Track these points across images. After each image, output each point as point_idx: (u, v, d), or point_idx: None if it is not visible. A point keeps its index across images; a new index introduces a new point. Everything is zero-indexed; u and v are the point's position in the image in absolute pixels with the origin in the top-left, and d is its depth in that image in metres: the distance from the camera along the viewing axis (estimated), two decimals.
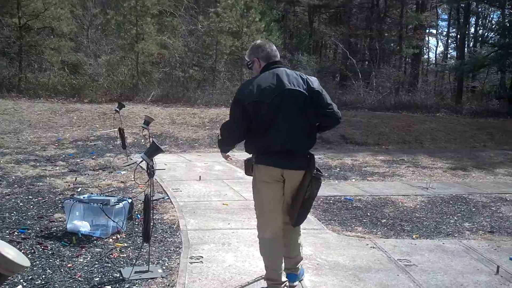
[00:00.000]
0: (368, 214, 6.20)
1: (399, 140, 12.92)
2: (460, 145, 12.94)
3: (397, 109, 18.52)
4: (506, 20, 23.88)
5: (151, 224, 4.09)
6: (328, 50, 38.75)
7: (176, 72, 20.32)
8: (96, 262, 4.26)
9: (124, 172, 8.16)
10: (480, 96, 23.12)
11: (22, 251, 4.45)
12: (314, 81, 3.56)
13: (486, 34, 29.92)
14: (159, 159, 9.25)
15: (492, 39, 24.53)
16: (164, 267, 4.18)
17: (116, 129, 9.29)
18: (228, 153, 3.95)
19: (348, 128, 13.42)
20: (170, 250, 4.64)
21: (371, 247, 4.87)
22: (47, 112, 13.84)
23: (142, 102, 17.25)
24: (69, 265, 4.19)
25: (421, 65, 32.10)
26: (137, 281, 3.87)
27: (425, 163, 10.25)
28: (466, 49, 27.70)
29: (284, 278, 3.67)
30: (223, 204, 6.26)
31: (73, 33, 21.47)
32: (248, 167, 3.68)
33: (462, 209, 6.55)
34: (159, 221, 5.57)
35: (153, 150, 4.08)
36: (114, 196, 5.26)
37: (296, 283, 3.81)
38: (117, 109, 9.03)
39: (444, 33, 39.36)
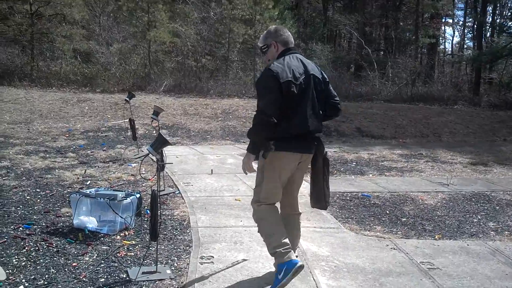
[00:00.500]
0: (387, 212, 5.94)
1: (417, 133, 12.59)
2: (479, 139, 12.58)
3: (413, 101, 18.12)
4: None
5: (159, 221, 3.87)
6: (342, 39, 38.27)
7: (189, 61, 20.06)
8: (102, 261, 4.07)
9: (135, 164, 7.97)
10: (499, 88, 22.56)
11: (26, 248, 4.27)
12: (323, 72, 3.74)
13: (504, 23, 29.20)
14: (171, 152, 9.06)
15: (511, 28, 23.92)
16: (173, 268, 3.97)
17: (127, 120, 9.09)
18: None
19: (364, 121, 13.11)
20: (180, 249, 4.43)
21: (391, 248, 4.62)
22: (59, 102, 13.69)
23: (154, 92, 17.04)
24: (74, 264, 4.00)
25: (437, 55, 31.53)
26: (144, 283, 3.67)
27: (444, 158, 9.94)
28: (483, 39, 27.03)
29: None
30: (236, 199, 6.04)
31: (85, 20, 21.30)
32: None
33: (486, 208, 6.26)
34: (169, 217, 5.36)
35: (159, 143, 3.85)
36: (122, 191, 5.06)
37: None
38: (127, 99, 8.84)
39: (461, 22, 38.66)
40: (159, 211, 3.88)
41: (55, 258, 4.10)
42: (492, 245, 4.75)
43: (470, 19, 38.24)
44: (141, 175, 6.60)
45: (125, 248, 4.40)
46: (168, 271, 3.87)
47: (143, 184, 6.76)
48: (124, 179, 7.02)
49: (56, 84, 17.41)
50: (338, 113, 3.84)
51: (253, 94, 15.87)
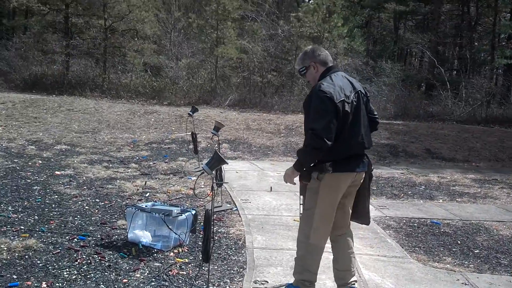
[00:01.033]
0: (458, 242, 5.47)
1: (491, 157, 11.80)
2: None
3: (488, 123, 17.14)
4: None
5: (212, 242, 3.68)
6: (413, 58, 37.21)
7: (255, 77, 20.07)
8: (153, 280, 3.92)
9: (195, 178, 7.89)
10: None
11: (79, 260, 4.20)
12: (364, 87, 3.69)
13: None
14: (231, 166, 8.93)
15: None
16: None
17: (189, 133, 9.06)
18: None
19: (435, 142, 12.46)
20: (233, 270, 4.22)
21: (462, 283, 4.21)
22: (126, 113, 13.99)
23: (219, 106, 17.13)
24: (124, 280, 3.88)
25: None
26: None
27: None
28: None
29: None
30: (294, 220, 5.76)
31: (156, 35, 21.86)
32: (306, 175, 3.47)
33: None
34: (225, 235, 5.17)
35: (215, 161, 3.67)
36: (178, 206, 4.93)
37: None
38: (191, 113, 8.80)
39: None
40: (212, 231, 3.69)
41: (106, 273, 4.00)
42: None
43: None
44: (195, 193, 6.41)
45: (178, 266, 4.24)
46: None
47: (202, 199, 6.64)
48: (182, 192, 6.93)
49: (125, 96, 17.88)
50: (377, 128, 3.79)
51: None
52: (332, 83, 3.35)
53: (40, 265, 4.11)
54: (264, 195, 7.03)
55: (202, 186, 7.36)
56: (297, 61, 3.70)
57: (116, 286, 3.78)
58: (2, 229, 4.93)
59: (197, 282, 3.89)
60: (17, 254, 4.29)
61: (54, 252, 4.39)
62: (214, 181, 3.95)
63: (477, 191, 8.35)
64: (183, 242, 4.71)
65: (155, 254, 4.47)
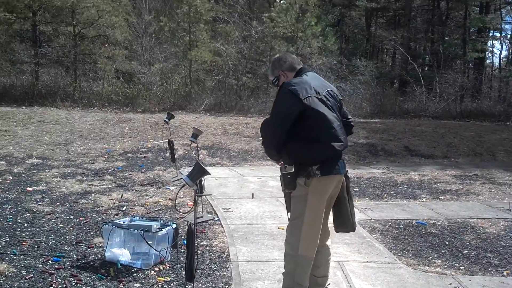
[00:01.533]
0: (446, 242, 5.37)
1: (470, 152, 11.83)
2: None
3: (463, 117, 17.29)
4: None
5: (196, 259, 3.48)
6: (385, 55, 37.48)
7: (229, 79, 19.86)
8: None
9: (173, 187, 7.66)
10: None
11: (53, 285, 3.95)
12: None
13: None
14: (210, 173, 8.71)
15: None
16: None
17: (166, 141, 8.82)
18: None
19: (413, 139, 12.44)
20: (218, 287, 4.02)
21: (455, 287, 4.08)
22: (99, 122, 13.64)
23: (194, 111, 16.88)
24: None
25: (485, 70, 30.33)
26: None
27: (502, 179, 9.21)
28: None
29: None
30: (279, 228, 5.59)
31: (127, 41, 21.47)
32: (291, 182, 3.32)
33: None
34: (207, 248, 4.97)
35: (197, 173, 3.48)
36: (157, 221, 4.70)
37: None
38: (167, 120, 8.56)
39: (509, 36, 37.19)
40: (196, 248, 3.49)
41: None
42: None
43: None
44: (177, 208, 6.16)
45: (159, 286, 4.02)
46: None
47: (181, 210, 6.41)
48: (161, 204, 6.70)
49: (98, 104, 17.48)
50: (352, 131, 3.66)
51: None
52: (300, 80, 3.34)
53: None
54: (246, 202, 6.84)
55: (181, 196, 7.13)
56: (269, 72, 3.66)
57: None
58: None
59: None
60: None
61: (27, 277, 4.12)
62: (196, 193, 3.75)
63: (459, 187, 8.30)
64: (165, 258, 4.49)
65: (135, 274, 4.24)
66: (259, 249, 4.88)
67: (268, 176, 8.79)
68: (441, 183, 8.61)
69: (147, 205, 6.64)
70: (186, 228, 4.72)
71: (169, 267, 4.42)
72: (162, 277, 4.17)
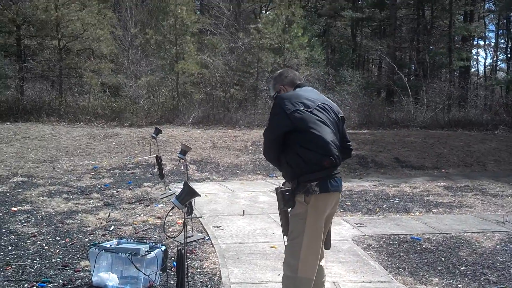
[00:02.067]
0: (442, 258, 5.27)
1: (460, 162, 11.80)
2: None
3: (451, 126, 17.33)
4: None
5: (186, 282, 3.33)
6: (371, 64, 37.68)
7: (217, 92, 19.74)
8: None
9: (162, 205, 7.49)
10: None
11: None
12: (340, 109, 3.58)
13: None
14: (199, 189, 8.53)
15: None
16: None
17: (154, 156, 8.66)
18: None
19: (402, 150, 12.40)
20: None
21: None
22: (86, 138, 13.42)
23: (182, 124, 16.72)
24: None
25: (470, 78, 30.58)
26: None
27: (493, 190, 9.16)
28: None
29: None
30: (271, 246, 5.46)
31: (113, 54, 21.28)
32: (290, 199, 3.22)
33: None
34: (198, 270, 4.82)
35: (186, 194, 3.35)
36: (145, 243, 4.55)
37: None
38: (154, 136, 8.41)
39: (492, 44, 37.62)
40: (186, 271, 3.35)
41: None
42: None
43: (502, 41, 37.31)
44: (166, 234, 5.95)
45: None
46: None
47: (170, 229, 6.26)
48: (150, 222, 6.53)
49: (84, 119, 17.25)
50: (348, 157, 3.62)
51: None
52: (291, 93, 3.39)
53: None
54: (237, 219, 6.70)
55: (171, 214, 6.97)
56: (270, 88, 3.69)
57: None
58: None
59: None
60: None
61: None
62: (185, 216, 3.61)
63: (451, 200, 8.23)
64: (154, 282, 4.33)
65: None
66: (251, 270, 4.74)
67: (258, 191, 8.66)
68: (433, 195, 8.54)
69: (135, 224, 6.48)
70: (176, 249, 4.58)
71: None
72: None
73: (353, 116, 17.86)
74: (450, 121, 17.92)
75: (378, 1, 27.81)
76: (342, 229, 6.28)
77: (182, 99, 18.90)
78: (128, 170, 10.34)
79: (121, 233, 6.05)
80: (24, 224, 6.43)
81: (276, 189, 3.35)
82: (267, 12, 30.32)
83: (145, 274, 4.26)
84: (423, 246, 5.66)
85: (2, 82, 19.19)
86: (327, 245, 3.46)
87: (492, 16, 35.67)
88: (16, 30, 18.27)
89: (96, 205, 7.56)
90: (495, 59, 37.63)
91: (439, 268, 4.99)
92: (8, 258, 5.11)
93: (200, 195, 3.53)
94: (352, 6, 29.70)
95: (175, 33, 18.58)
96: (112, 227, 6.29)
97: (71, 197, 8.06)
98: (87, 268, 4.74)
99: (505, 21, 33.10)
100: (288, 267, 3.27)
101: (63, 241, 5.71)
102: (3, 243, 5.60)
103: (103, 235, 5.96)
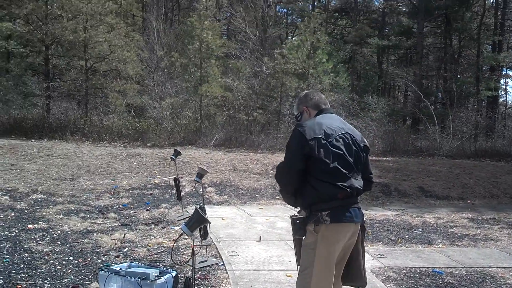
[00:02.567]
0: None
1: (486, 193, 11.45)
2: None
3: (478, 157, 16.94)
4: None
5: None
6: (397, 92, 37.41)
7: (240, 115, 19.75)
8: None
9: (178, 227, 7.38)
10: None
11: None
12: (365, 139, 3.46)
13: None
14: (217, 213, 8.48)
15: None
16: None
17: (172, 179, 8.59)
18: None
19: (427, 179, 12.10)
20: None
21: None
22: (108, 157, 13.47)
23: (204, 146, 16.71)
24: None
25: (498, 108, 30.07)
26: None
27: None
28: None
29: None
30: (286, 275, 5.28)
31: (139, 76, 21.54)
32: (300, 228, 3.17)
33: None
34: None
35: (196, 222, 3.24)
36: (156, 268, 4.43)
37: None
38: (173, 157, 8.36)
39: None
40: None
41: None
42: None
43: None
44: (173, 260, 5.80)
45: None
46: None
47: (185, 253, 6.13)
48: (164, 245, 6.42)
49: (108, 138, 17.39)
50: (371, 188, 3.52)
51: None
52: (312, 121, 3.28)
53: None
54: (253, 245, 6.54)
55: (186, 237, 6.85)
56: (294, 108, 3.60)
57: None
58: None
59: None
60: None
61: None
62: (194, 243, 3.49)
63: (476, 232, 7.93)
64: None
65: None
66: None
67: (277, 216, 8.50)
68: (457, 227, 8.25)
69: (150, 246, 6.37)
70: (188, 274, 4.44)
71: None
72: None
73: (377, 143, 17.62)
74: (476, 151, 17.53)
75: (405, 30, 27.74)
76: None
77: (205, 121, 18.94)
78: (147, 191, 10.30)
79: (134, 255, 5.96)
80: (38, 242, 6.39)
81: (291, 216, 3.25)
82: (293, 38, 30.46)
83: None
84: (445, 281, 5.42)
85: (29, 100, 19.55)
86: (358, 281, 3.33)
87: None
88: (44, 50, 18.64)
89: (113, 225, 7.49)
90: None
91: None
92: (19, 277, 5.05)
93: (210, 222, 3.43)
94: (378, 34, 29.68)
95: (200, 56, 18.74)
96: (126, 249, 6.20)
97: (88, 216, 8.02)
98: None
99: None
100: None
101: (76, 261, 5.63)
102: (16, 261, 5.55)
103: (117, 256, 5.87)
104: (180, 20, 32.39)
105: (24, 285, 4.80)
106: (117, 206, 8.92)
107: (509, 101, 38.17)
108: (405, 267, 5.84)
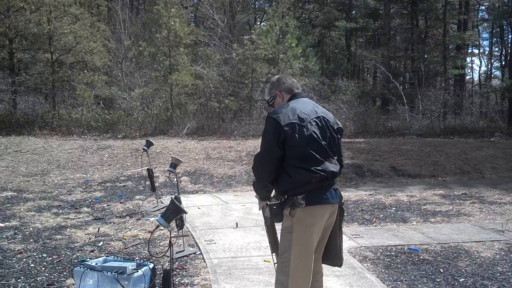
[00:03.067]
0: (441, 270, 5.10)
1: (457, 170, 11.67)
2: None
3: (447, 134, 17.24)
4: None
5: None
6: (366, 74, 37.70)
7: (212, 102, 19.61)
8: None
9: (153, 218, 7.31)
10: None
11: None
12: (338, 121, 3.47)
13: None
14: (192, 202, 8.43)
15: None
16: None
17: (145, 170, 8.49)
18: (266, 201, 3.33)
19: (399, 158, 12.26)
20: None
21: None
22: (78, 151, 13.24)
23: (177, 135, 16.57)
24: None
25: (465, 86, 30.62)
26: None
27: (491, 198, 9.02)
28: None
29: None
30: (265, 260, 5.28)
31: (107, 66, 21.15)
32: (277, 213, 3.20)
33: None
34: (188, 287, 4.63)
35: (171, 213, 3.19)
36: (132, 261, 4.37)
37: None
38: (145, 148, 8.25)
39: (486, 52, 37.80)
40: (173, 282, 3.18)
41: None
42: None
43: (496, 49, 37.51)
44: (150, 253, 5.74)
45: None
46: None
47: (161, 244, 6.08)
48: (140, 237, 6.36)
49: (77, 131, 17.09)
50: (340, 172, 3.38)
51: None
52: (285, 107, 3.25)
53: None
54: (230, 232, 6.53)
55: (162, 228, 6.77)
56: (266, 92, 3.57)
57: None
58: None
59: None
60: None
61: None
62: (171, 234, 3.45)
63: (449, 208, 8.08)
64: None
65: None
66: (244, 286, 4.57)
67: (253, 202, 8.47)
68: (430, 204, 8.39)
69: (125, 239, 6.30)
70: (166, 265, 4.40)
71: None
72: None
73: (348, 125, 17.75)
74: (446, 128, 17.84)
75: (372, 12, 27.83)
76: None
77: (176, 110, 18.75)
78: (120, 183, 10.16)
79: (110, 249, 5.87)
80: (10, 240, 6.25)
81: (267, 203, 3.24)
82: (261, 24, 30.30)
83: None
84: (421, 257, 5.50)
85: None
86: (335, 261, 3.36)
87: (485, 24, 35.90)
88: (8, 44, 18.12)
89: (86, 219, 7.37)
90: (489, 66, 37.85)
91: (437, 280, 4.83)
92: None
93: (186, 213, 3.39)
94: (346, 17, 29.72)
95: (169, 45, 18.47)
96: (101, 243, 6.11)
97: (60, 211, 7.87)
98: (73, 287, 4.56)
99: (498, 29, 33.32)
100: (279, 284, 3.14)
101: (50, 258, 5.52)
102: None
103: (92, 251, 5.78)
104: (146, 9, 31.83)
105: None
106: (89, 200, 8.79)
107: (476, 79, 38.90)
108: (381, 246, 5.91)
